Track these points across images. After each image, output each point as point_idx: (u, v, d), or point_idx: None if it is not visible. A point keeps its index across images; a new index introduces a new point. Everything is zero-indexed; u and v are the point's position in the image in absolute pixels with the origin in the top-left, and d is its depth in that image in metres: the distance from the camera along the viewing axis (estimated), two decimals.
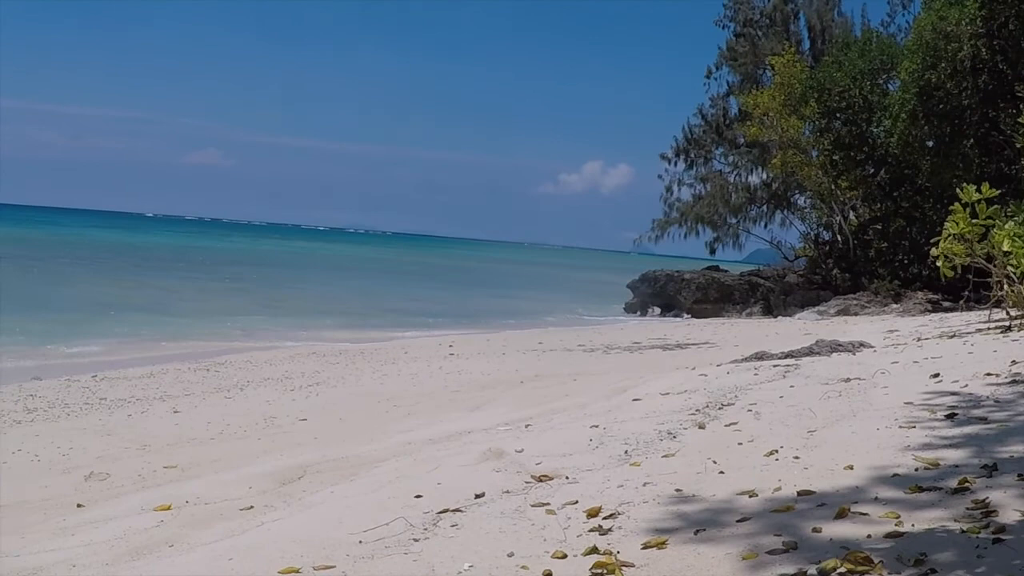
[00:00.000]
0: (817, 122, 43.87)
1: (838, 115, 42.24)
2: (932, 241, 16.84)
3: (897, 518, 5.34)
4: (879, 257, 42.11)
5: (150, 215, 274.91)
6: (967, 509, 5.41)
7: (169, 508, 7.93)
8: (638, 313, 48.05)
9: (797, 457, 7.14)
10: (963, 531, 5.00)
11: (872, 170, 43.11)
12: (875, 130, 41.50)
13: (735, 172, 57.90)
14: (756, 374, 13.08)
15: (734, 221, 58.00)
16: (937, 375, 10.72)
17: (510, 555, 5.43)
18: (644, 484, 6.76)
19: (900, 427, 7.85)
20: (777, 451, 7.37)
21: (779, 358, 15.25)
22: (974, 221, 15.94)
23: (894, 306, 38.02)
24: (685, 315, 44.73)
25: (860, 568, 4.57)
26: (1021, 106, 28.95)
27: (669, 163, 58.66)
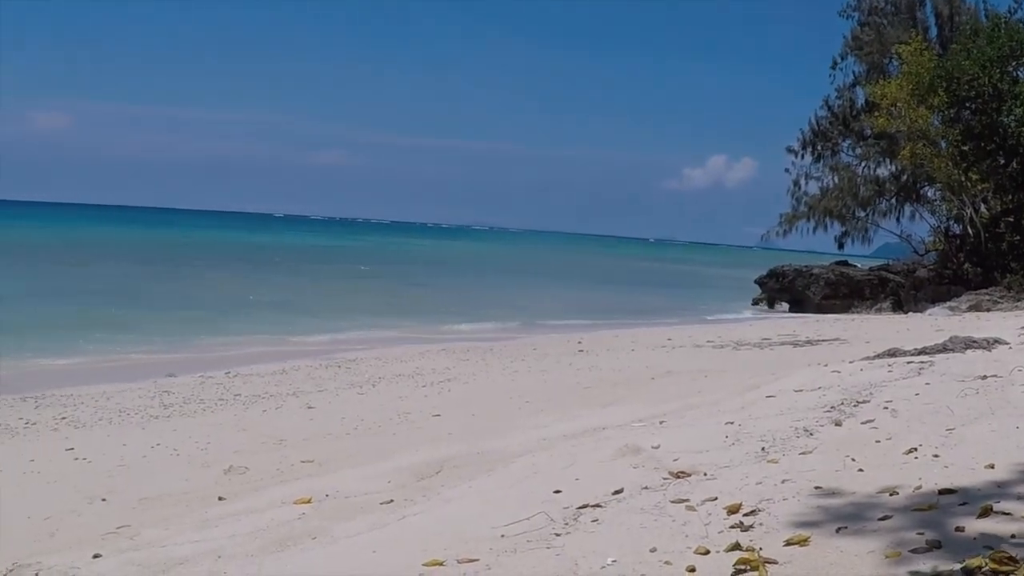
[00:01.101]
0: (946, 112, 42.96)
1: (967, 104, 41.32)
2: None
3: None
4: (1012, 251, 41.18)
5: (279, 216, 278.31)
6: None
7: (309, 501, 8.05)
8: (766, 309, 47.58)
9: (937, 455, 7.04)
10: None
11: (1003, 161, 42.10)
12: (1006, 119, 40.34)
13: (863, 164, 56.87)
14: (890, 371, 12.87)
15: (863, 215, 57.01)
16: None
17: (652, 550, 5.41)
18: (783, 481, 6.71)
19: None
20: (916, 449, 7.27)
21: (912, 355, 14.98)
22: None
23: None
24: (813, 311, 44.13)
25: (1005, 568, 4.50)
26: None
27: (796, 156, 57.78)
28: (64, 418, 14.64)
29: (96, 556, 6.94)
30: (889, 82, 47.51)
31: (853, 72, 56.28)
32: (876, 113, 48.04)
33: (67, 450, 12.17)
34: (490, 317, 35.35)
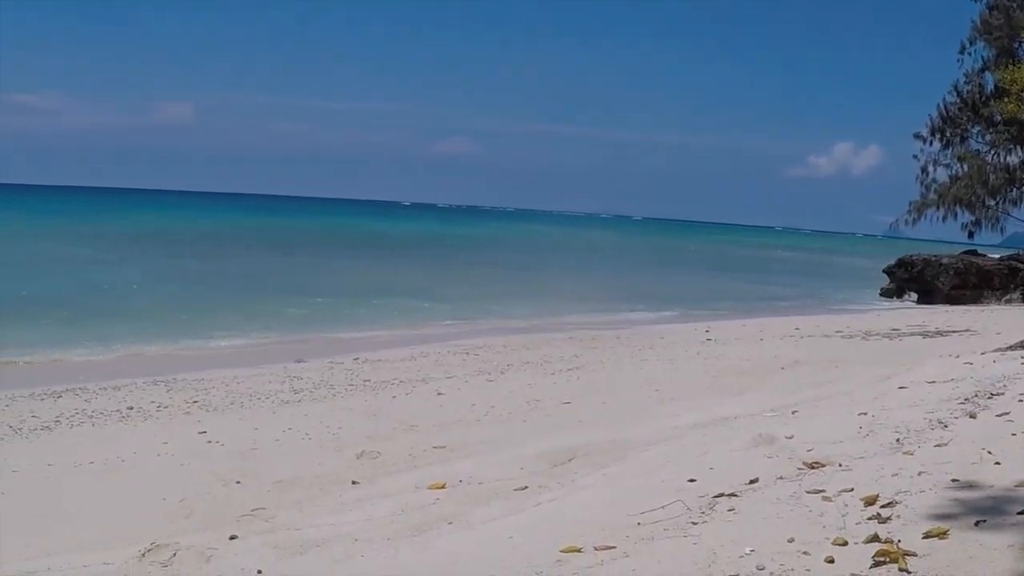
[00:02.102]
0: None
1: None
2: None
3: None
4: None
5: (406, 204, 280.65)
6: None
7: (443, 487, 8.04)
8: (894, 299, 46.75)
9: None
10: None
11: None
12: None
13: (993, 152, 55.63)
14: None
15: (993, 203, 55.81)
16: None
17: (790, 541, 5.36)
18: (919, 473, 6.63)
19: None
20: None
21: None
22: None
23: None
24: (942, 301, 43.26)
25: None
26: None
27: (924, 143, 56.59)
28: (196, 402, 14.85)
29: (233, 537, 6.98)
30: (1019, 67, 46.31)
31: (982, 57, 54.91)
32: (1006, 99, 46.82)
33: (199, 433, 12.33)
34: (613, 304, 35.18)
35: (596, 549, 5.63)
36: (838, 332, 25.78)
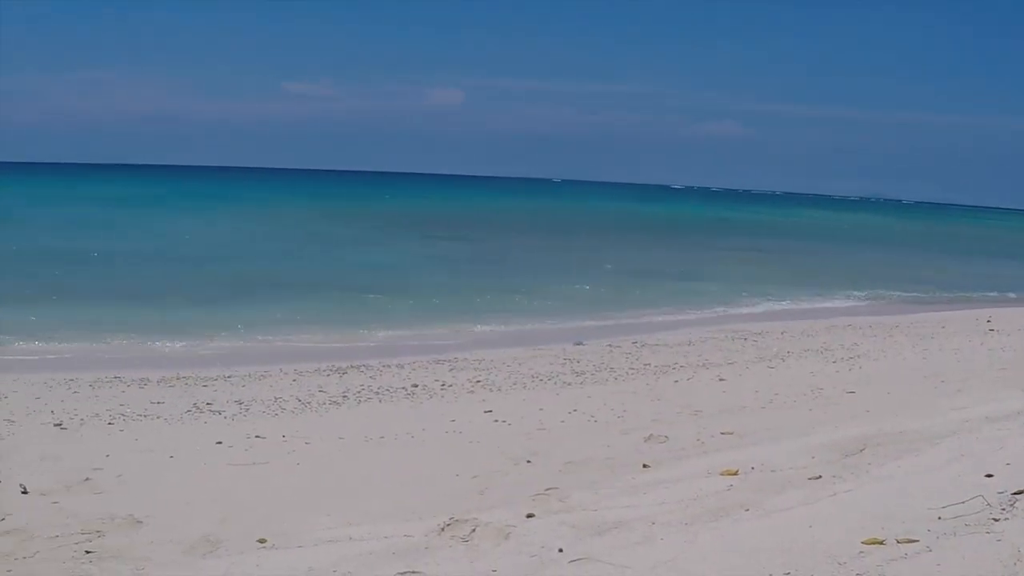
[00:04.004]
0: None
1: None
2: None
3: None
4: None
5: (676, 187, 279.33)
6: None
7: (736, 473, 8.02)
8: None
9: None
10: None
11: None
12: None
13: None
14: None
15: None
16: None
17: None
18: None
19: None
20: None
21: None
22: None
23: None
24: None
25: None
26: None
27: None
28: (479, 381, 15.18)
29: (530, 515, 7.14)
30: None
31: None
32: None
33: (485, 412, 12.60)
34: (885, 291, 34.22)
35: (898, 542, 5.57)
36: None
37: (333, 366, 16.41)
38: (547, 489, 8.19)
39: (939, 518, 5.94)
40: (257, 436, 11.14)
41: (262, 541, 7.07)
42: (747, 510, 6.78)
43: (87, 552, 6.92)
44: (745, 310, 27.23)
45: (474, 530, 6.89)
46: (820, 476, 7.75)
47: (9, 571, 6.58)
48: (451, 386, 14.79)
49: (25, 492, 8.49)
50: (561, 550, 6.25)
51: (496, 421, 12.08)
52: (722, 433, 10.72)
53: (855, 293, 32.81)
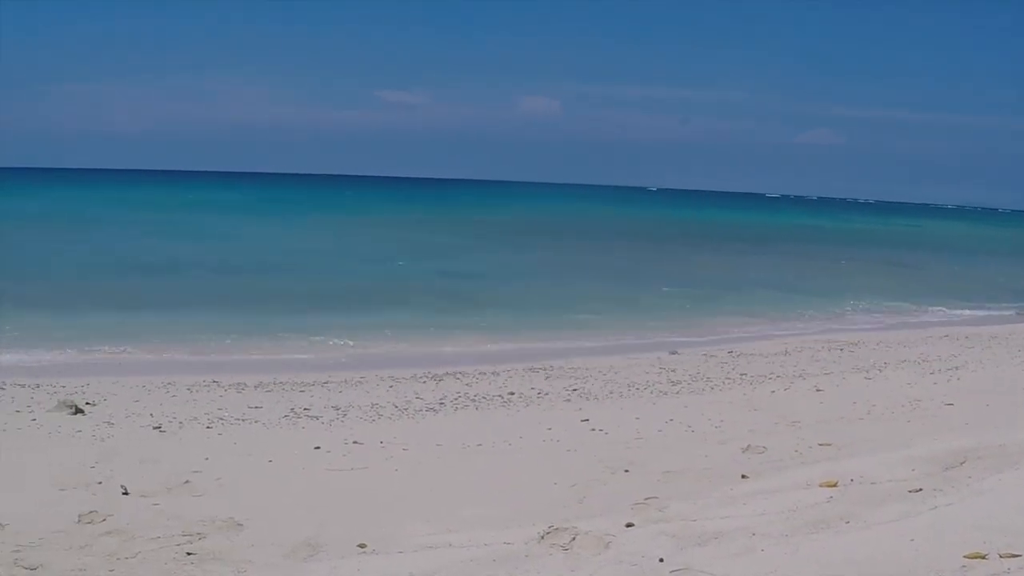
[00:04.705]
0: None
1: None
2: None
3: None
4: None
5: (772, 195, 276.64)
6: None
7: (835, 485, 8.00)
8: None
9: None
10: None
11: None
12: None
13: None
14: None
15: None
16: None
17: None
18: None
19: None
20: None
21: None
22: None
23: None
24: None
25: None
26: None
27: None
28: (575, 390, 15.21)
29: (629, 525, 7.18)
30: None
31: None
32: None
33: (582, 421, 12.66)
34: (985, 301, 33.70)
35: (1001, 557, 5.52)
36: None
37: (429, 373, 16.53)
38: (646, 498, 8.22)
39: None
40: (355, 442, 11.26)
41: (362, 546, 7.17)
42: (847, 522, 6.77)
43: (188, 554, 7.06)
44: (841, 320, 26.99)
45: (574, 538, 6.94)
46: (920, 489, 7.71)
47: (112, 571, 6.72)
48: (547, 394, 14.84)
49: (126, 493, 8.67)
50: (662, 560, 6.29)
51: (593, 430, 12.10)
52: (820, 444, 10.67)
53: (950, 302, 32.40)
